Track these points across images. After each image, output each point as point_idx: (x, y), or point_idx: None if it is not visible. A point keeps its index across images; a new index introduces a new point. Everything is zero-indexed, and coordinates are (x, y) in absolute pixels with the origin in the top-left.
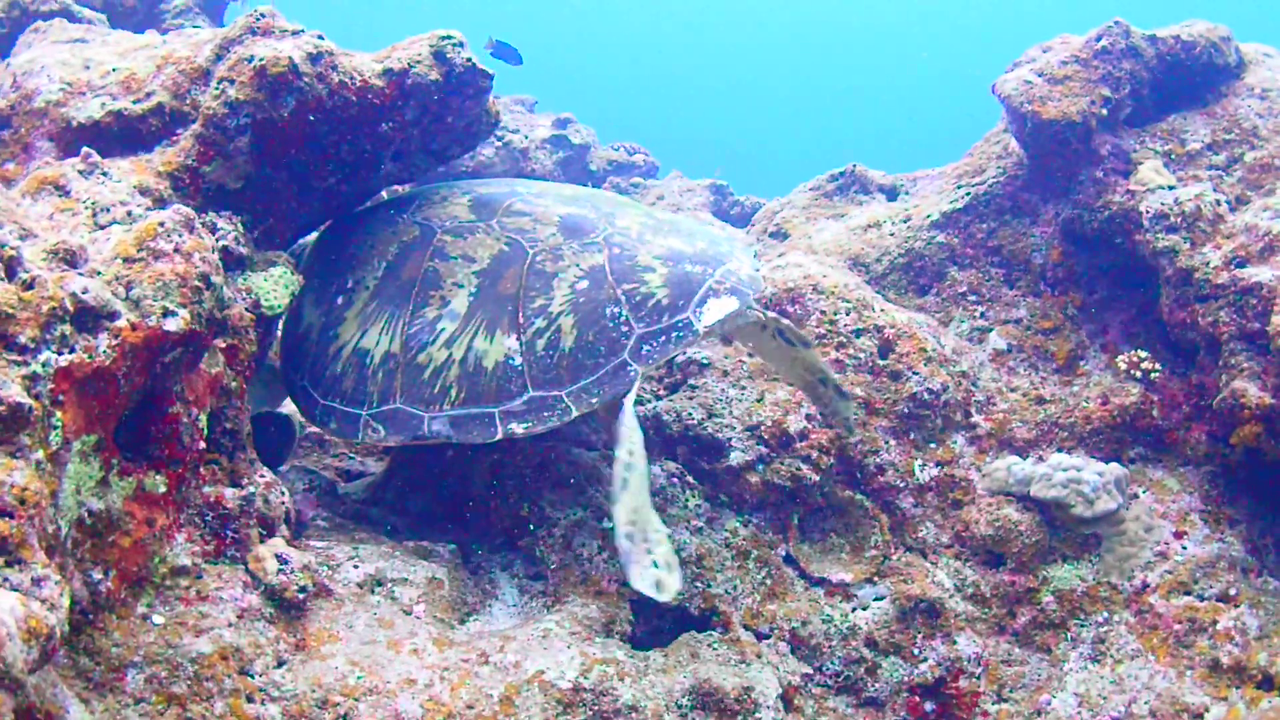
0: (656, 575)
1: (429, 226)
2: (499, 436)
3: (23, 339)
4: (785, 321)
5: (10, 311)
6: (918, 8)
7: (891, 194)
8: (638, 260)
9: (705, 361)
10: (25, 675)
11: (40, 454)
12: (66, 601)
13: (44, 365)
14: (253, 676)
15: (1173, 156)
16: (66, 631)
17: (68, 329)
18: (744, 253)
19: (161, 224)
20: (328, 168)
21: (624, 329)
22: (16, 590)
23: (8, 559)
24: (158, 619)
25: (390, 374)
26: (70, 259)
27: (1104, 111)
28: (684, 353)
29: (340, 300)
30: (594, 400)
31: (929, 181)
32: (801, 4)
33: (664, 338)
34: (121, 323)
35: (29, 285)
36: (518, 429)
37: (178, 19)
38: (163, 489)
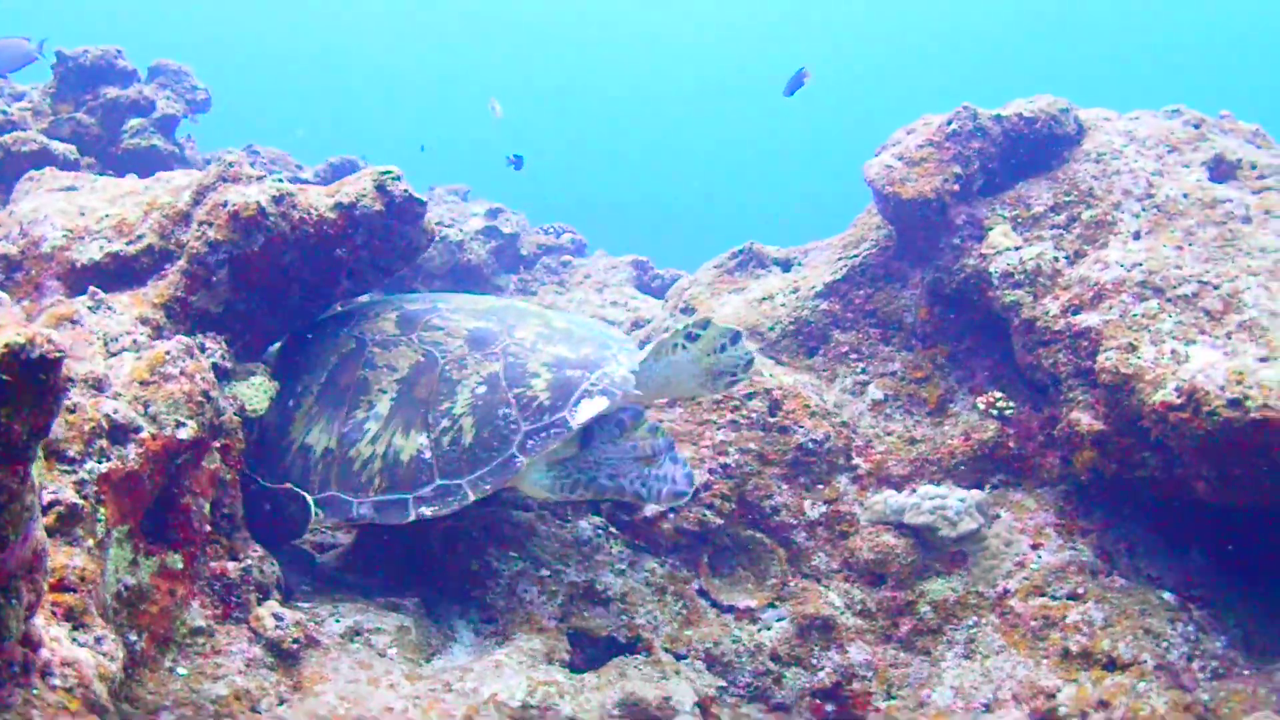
0: None
1: (362, 340)
2: (411, 519)
3: (71, 453)
4: (690, 321)
5: (60, 434)
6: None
7: (786, 266)
8: (528, 367)
9: None
10: (107, 703)
11: (91, 542)
12: (121, 654)
13: (89, 472)
14: (261, 713)
15: (1020, 220)
16: (122, 677)
17: (105, 443)
18: (625, 354)
19: (168, 352)
20: (293, 288)
21: (513, 427)
22: (84, 646)
23: (74, 624)
24: (182, 670)
25: (329, 466)
26: (98, 385)
27: (956, 187)
28: (563, 443)
29: (291, 403)
30: (487, 487)
31: (818, 253)
32: (730, 69)
33: (544, 434)
34: (144, 435)
35: (73, 410)
36: (426, 511)
37: (135, 138)
38: (180, 565)
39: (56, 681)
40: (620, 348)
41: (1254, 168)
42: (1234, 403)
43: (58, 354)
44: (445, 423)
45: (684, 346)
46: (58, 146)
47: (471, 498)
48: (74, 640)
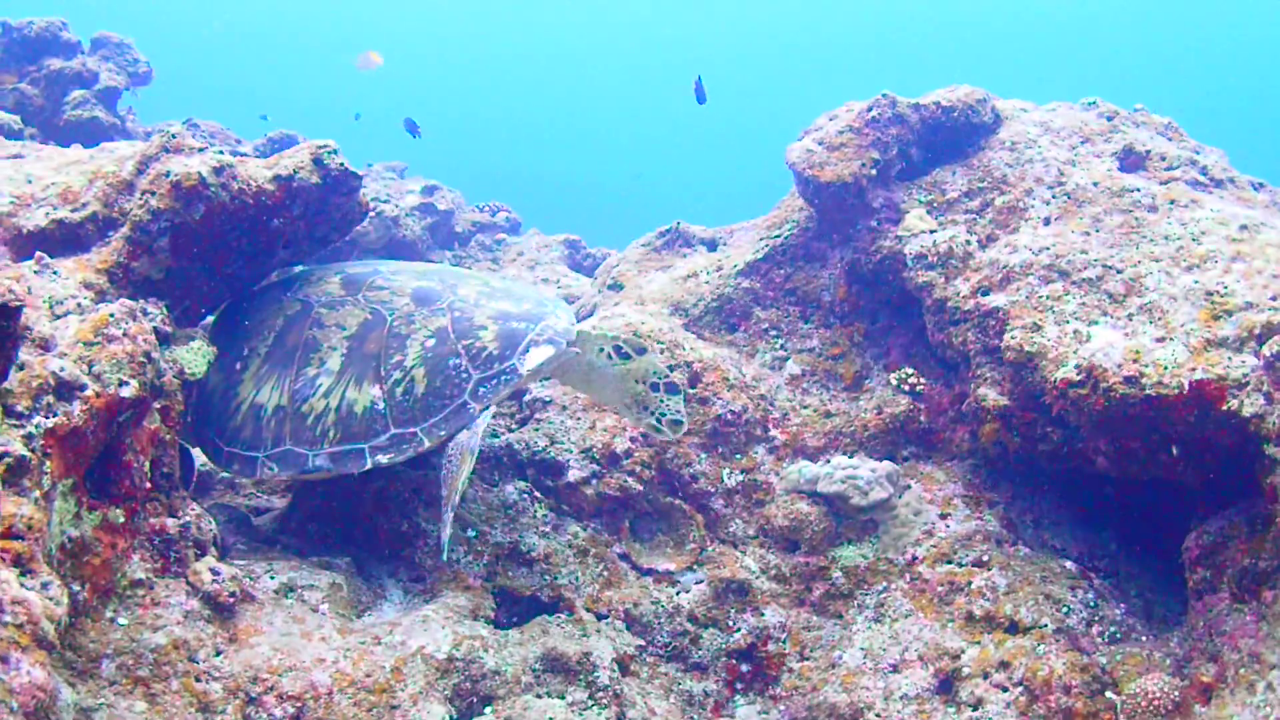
0: None
1: (308, 302)
2: (369, 466)
3: (19, 408)
4: (624, 337)
5: (10, 388)
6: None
7: (712, 245)
8: (474, 320)
9: (548, 399)
10: (55, 641)
11: (37, 494)
12: (66, 600)
13: (36, 427)
14: (198, 662)
15: (935, 204)
16: (67, 622)
17: (51, 399)
18: (563, 310)
19: (112, 314)
20: (231, 257)
21: (464, 376)
22: (31, 590)
23: (22, 569)
24: (123, 621)
25: (281, 423)
26: (45, 345)
27: (874, 171)
28: (512, 390)
29: (238, 366)
30: (441, 433)
31: (743, 233)
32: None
33: (495, 380)
34: (89, 392)
35: (21, 367)
36: (383, 459)
37: (77, 110)
38: (121, 520)
39: (7, 618)
40: (555, 306)
41: (1163, 159)
42: (1130, 380)
43: (17, 303)
44: (397, 374)
45: (609, 355)
46: (2, 116)
47: (427, 444)
48: (22, 585)
